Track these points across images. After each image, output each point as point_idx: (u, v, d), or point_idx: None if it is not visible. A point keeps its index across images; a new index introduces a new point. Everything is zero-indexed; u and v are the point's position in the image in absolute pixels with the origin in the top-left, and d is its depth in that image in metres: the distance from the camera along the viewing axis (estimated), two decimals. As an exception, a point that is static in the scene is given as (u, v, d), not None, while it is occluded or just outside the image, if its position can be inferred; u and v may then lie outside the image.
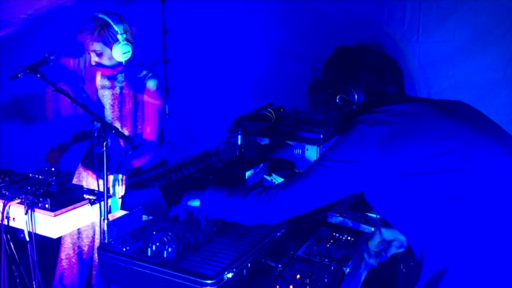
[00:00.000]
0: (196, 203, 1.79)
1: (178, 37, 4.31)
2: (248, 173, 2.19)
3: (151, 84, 2.49)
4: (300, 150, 2.46)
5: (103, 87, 2.56)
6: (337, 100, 1.62)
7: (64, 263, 2.65)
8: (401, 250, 1.77)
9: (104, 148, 1.72)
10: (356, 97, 1.59)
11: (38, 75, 1.98)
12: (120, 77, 2.51)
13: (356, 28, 3.40)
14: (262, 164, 2.31)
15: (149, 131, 2.52)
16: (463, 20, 3.17)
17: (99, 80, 2.58)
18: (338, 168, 1.49)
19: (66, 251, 2.64)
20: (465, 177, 1.35)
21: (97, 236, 2.60)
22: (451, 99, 1.65)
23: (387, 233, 1.76)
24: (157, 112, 2.52)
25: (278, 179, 2.14)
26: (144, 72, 2.51)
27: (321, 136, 2.50)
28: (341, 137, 1.55)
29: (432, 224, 1.39)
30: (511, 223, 1.33)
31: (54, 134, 2.70)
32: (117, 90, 2.53)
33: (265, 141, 2.52)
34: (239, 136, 2.46)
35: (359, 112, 1.58)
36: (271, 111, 2.69)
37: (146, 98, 2.50)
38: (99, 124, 1.78)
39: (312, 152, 2.43)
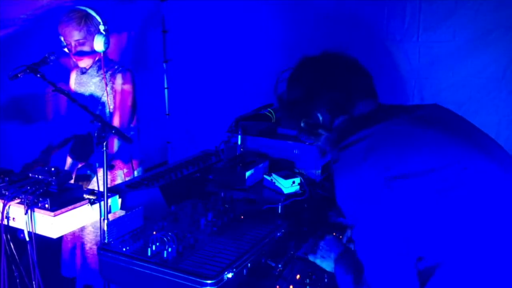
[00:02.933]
0: (316, 260, 1.67)
1: (178, 37, 4.32)
2: (248, 173, 2.19)
3: (122, 77, 2.59)
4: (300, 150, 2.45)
5: (79, 84, 2.62)
6: (302, 125, 1.53)
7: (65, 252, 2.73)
8: None
9: (104, 148, 1.72)
10: (320, 118, 1.49)
11: (38, 75, 1.99)
12: (96, 70, 2.60)
13: (357, 28, 3.40)
14: (262, 164, 2.31)
15: (118, 119, 2.61)
16: (463, 20, 3.17)
17: (75, 78, 2.66)
18: (386, 239, 1.29)
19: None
20: (451, 176, 1.30)
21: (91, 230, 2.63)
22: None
23: None
24: (129, 100, 2.63)
25: (278, 179, 2.14)
26: (116, 67, 2.61)
27: (321, 136, 2.49)
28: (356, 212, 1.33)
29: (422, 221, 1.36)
30: (501, 221, 1.32)
31: (54, 134, 2.71)
32: (92, 85, 2.60)
33: (265, 141, 2.52)
34: (239, 136, 2.46)
35: (330, 132, 1.49)
36: (271, 111, 2.69)
37: (117, 89, 2.61)
38: (99, 124, 1.78)
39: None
